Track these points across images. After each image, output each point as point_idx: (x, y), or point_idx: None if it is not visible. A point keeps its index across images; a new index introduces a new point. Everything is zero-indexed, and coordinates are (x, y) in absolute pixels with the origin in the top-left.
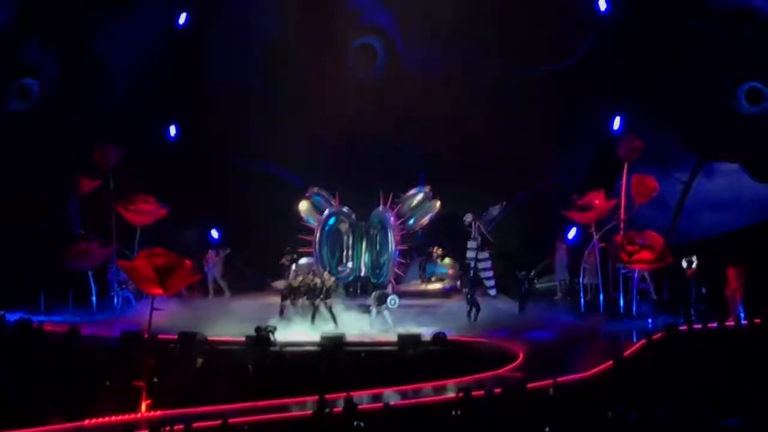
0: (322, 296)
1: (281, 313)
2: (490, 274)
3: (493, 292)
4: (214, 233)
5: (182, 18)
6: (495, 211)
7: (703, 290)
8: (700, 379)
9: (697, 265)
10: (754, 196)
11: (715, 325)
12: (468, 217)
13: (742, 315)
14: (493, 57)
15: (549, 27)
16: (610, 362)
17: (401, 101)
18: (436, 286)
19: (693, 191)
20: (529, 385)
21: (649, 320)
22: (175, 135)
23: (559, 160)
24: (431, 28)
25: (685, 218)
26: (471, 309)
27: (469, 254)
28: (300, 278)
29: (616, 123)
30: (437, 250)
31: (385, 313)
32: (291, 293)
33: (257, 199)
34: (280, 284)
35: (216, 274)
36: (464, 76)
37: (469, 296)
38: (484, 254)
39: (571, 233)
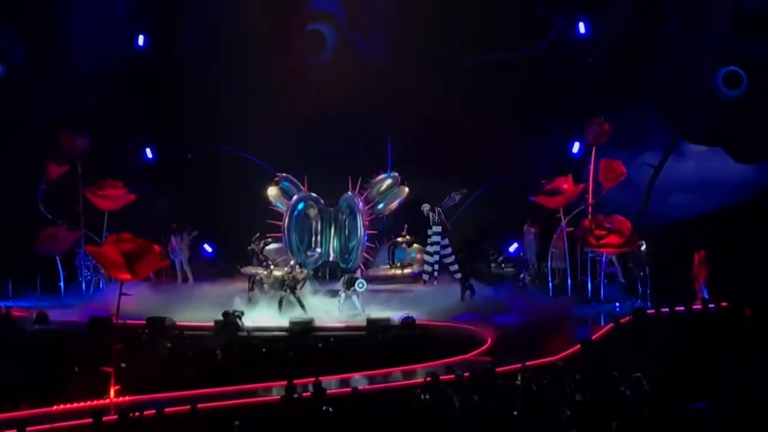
0: (292, 288)
1: (249, 299)
2: (453, 259)
3: (459, 276)
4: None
5: (141, 40)
6: (457, 197)
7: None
8: (667, 362)
9: (645, 247)
10: (723, 180)
11: (682, 308)
12: (425, 207)
13: (707, 298)
14: (449, 42)
15: (519, 10)
16: (578, 346)
17: (363, 87)
18: (405, 271)
19: (662, 174)
20: (498, 370)
21: (617, 304)
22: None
23: (528, 146)
24: (378, 13)
25: (655, 201)
26: (465, 291)
27: (433, 239)
28: (277, 273)
29: (575, 147)
30: (405, 238)
31: (354, 297)
32: (263, 284)
33: (226, 184)
34: (249, 270)
35: (183, 259)
36: (423, 62)
37: (463, 279)
38: (445, 241)
39: (512, 248)
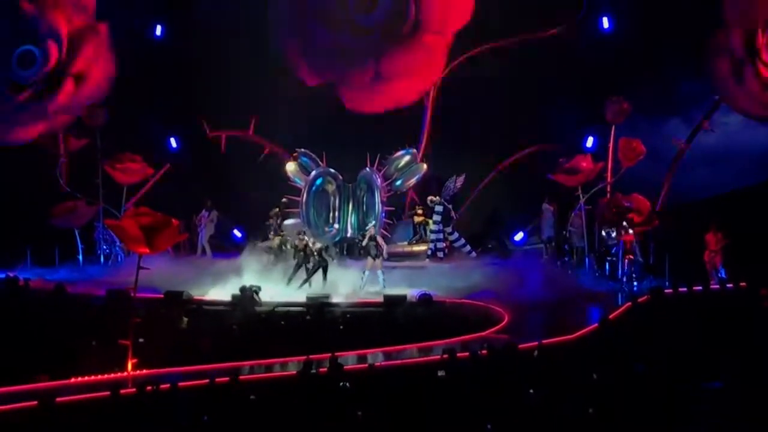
0: (306, 259)
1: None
2: (462, 242)
3: (473, 254)
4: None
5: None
6: (451, 185)
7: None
8: (683, 342)
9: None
10: (751, 154)
11: (699, 288)
12: (435, 199)
13: (724, 278)
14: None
15: None
16: (595, 325)
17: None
18: (422, 247)
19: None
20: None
21: (635, 283)
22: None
23: (549, 124)
24: None
25: (678, 175)
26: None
27: (434, 227)
28: (288, 240)
29: (589, 142)
30: (419, 210)
31: (378, 272)
32: (277, 253)
33: (244, 162)
34: (266, 244)
35: (204, 235)
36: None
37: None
38: (448, 229)
39: (518, 236)
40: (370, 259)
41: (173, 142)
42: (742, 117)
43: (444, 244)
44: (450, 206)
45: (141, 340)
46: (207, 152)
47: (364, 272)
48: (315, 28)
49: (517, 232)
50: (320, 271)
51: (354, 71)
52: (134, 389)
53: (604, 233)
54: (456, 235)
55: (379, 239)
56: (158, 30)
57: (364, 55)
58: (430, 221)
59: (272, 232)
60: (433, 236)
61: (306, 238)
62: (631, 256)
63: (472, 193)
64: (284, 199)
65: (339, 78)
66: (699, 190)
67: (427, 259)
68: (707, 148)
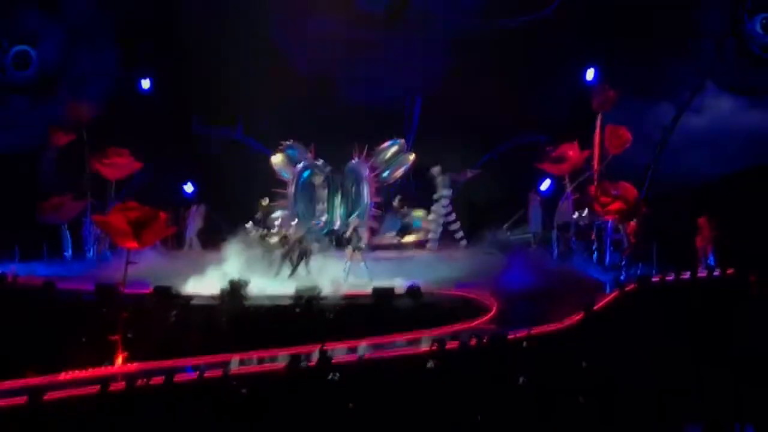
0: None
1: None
2: (458, 225)
3: (464, 242)
4: (189, 188)
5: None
6: (469, 174)
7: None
8: (671, 331)
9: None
10: (741, 138)
11: (687, 275)
12: (436, 170)
13: (713, 265)
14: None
15: None
16: (582, 314)
17: (379, 48)
18: (410, 238)
19: (677, 129)
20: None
21: (622, 271)
22: (148, 89)
23: (535, 113)
24: None
25: (667, 159)
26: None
27: (442, 203)
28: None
29: (590, 74)
30: (399, 202)
31: (362, 265)
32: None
33: (231, 156)
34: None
35: (193, 229)
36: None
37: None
38: (449, 208)
39: (545, 185)
40: (349, 250)
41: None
42: (732, 101)
43: (440, 232)
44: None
45: (130, 334)
46: (195, 144)
47: (345, 263)
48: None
49: (544, 180)
50: (304, 259)
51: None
52: (124, 384)
53: (575, 216)
54: (454, 216)
55: (363, 230)
56: (145, 84)
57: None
58: (423, 213)
59: (261, 225)
60: (437, 223)
61: (288, 229)
62: (633, 240)
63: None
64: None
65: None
66: (688, 175)
67: (430, 246)
68: (697, 132)
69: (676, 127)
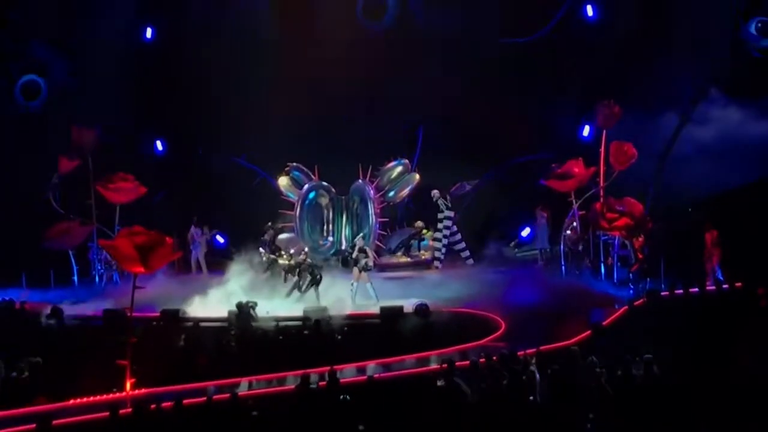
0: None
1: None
2: (464, 245)
3: (470, 261)
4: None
5: (149, 32)
6: (468, 186)
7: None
8: (680, 344)
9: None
10: (747, 149)
11: (696, 290)
12: (435, 193)
13: (721, 278)
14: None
15: None
16: (589, 331)
17: (381, 68)
18: (422, 255)
19: (682, 141)
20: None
21: (631, 286)
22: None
23: (541, 133)
24: None
25: (671, 171)
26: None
27: (445, 223)
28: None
29: (585, 131)
30: (419, 224)
31: (368, 285)
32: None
33: (236, 177)
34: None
35: (199, 252)
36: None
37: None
38: (454, 228)
39: (525, 232)
40: (356, 271)
41: (159, 145)
42: (740, 111)
43: (444, 251)
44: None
45: (135, 368)
46: (199, 169)
47: (352, 284)
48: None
49: (524, 228)
50: (314, 285)
51: None
52: (133, 409)
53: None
54: (459, 236)
55: (369, 251)
56: (148, 33)
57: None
58: (430, 233)
59: (267, 248)
60: (441, 243)
61: (303, 254)
62: (641, 256)
63: (466, 201)
64: (268, 223)
65: None
66: (697, 187)
67: (438, 264)
68: (705, 143)
69: (681, 139)
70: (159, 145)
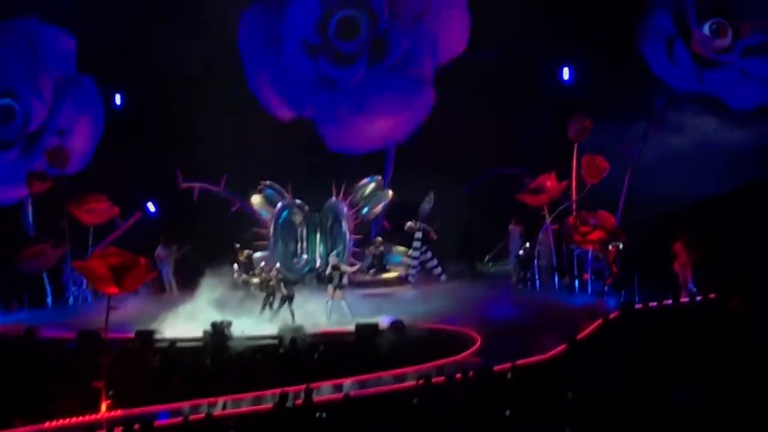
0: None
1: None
2: (435, 262)
3: (443, 278)
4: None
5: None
6: (427, 205)
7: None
8: (655, 355)
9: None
10: (728, 157)
11: (670, 302)
12: (409, 225)
13: (693, 290)
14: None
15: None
16: (565, 345)
17: (355, 84)
18: (391, 274)
19: (656, 149)
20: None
21: (605, 299)
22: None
23: (513, 147)
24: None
25: (644, 181)
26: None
27: (414, 245)
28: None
29: (565, 73)
30: (378, 240)
31: (343, 303)
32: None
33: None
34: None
35: (169, 271)
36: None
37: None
38: (423, 247)
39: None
40: (330, 288)
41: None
42: (717, 118)
43: (418, 268)
44: (430, 228)
45: (111, 389)
46: (174, 194)
47: (327, 302)
48: (291, 55)
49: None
50: (287, 302)
51: (336, 105)
52: (108, 431)
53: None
54: (429, 254)
55: (345, 267)
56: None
57: (347, 86)
58: (404, 249)
59: (241, 268)
60: (415, 261)
61: (273, 270)
62: (615, 269)
63: (439, 217)
64: (237, 245)
65: (318, 112)
66: (668, 198)
67: (410, 280)
68: (680, 151)
69: (654, 147)
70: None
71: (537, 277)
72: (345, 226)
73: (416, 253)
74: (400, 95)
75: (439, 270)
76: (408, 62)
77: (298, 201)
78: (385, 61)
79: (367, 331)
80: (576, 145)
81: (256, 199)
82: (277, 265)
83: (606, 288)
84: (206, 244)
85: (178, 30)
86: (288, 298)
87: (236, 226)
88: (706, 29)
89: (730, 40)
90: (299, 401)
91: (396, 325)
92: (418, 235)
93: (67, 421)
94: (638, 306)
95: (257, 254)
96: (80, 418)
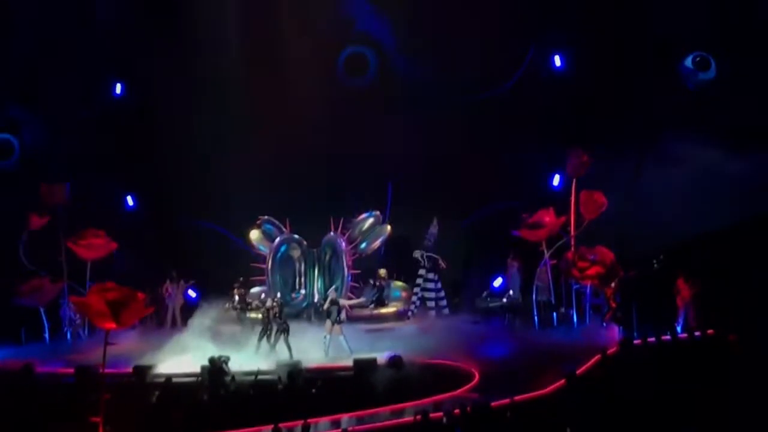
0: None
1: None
2: (442, 294)
3: (446, 311)
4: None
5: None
6: (434, 231)
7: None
8: (655, 391)
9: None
10: (730, 190)
11: (668, 338)
12: (417, 253)
13: (693, 326)
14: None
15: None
16: (563, 380)
17: (354, 120)
18: (390, 309)
19: (653, 184)
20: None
21: (604, 334)
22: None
23: (512, 183)
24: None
25: (643, 215)
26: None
27: (420, 274)
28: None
29: (556, 180)
30: (382, 273)
31: (341, 338)
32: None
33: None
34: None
35: (176, 306)
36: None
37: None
38: (434, 276)
39: (497, 282)
40: (328, 323)
41: (129, 201)
42: (718, 150)
43: (418, 304)
44: (437, 256)
45: (108, 425)
46: (170, 224)
47: (325, 336)
48: None
49: (496, 278)
50: (283, 335)
51: None
52: None
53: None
54: (439, 285)
55: (344, 301)
56: (118, 88)
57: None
58: (403, 284)
59: (240, 303)
60: (431, 294)
61: (271, 302)
62: (614, 304)
63: (438, 251)
64: (240, 279)
65: None
66: (667, 233)
67: (409, 315)
68: (680, 184)
69: (652, 181)
70: (129, 200)
71: (535, 312)
72: (343, 261)
73: (429, 285)
74: None
75: (444, 302)
76: None
77: (296, 236)
78: None
79: (365, 366)
80: (574, 181)
81: (254, 234)
82: (278, 295)
83: (605, 323)
84: (204, 278)
85: (174, 69)
86: (284, 331)
87: (235, 261)
88: (689, 62)
89: None
90: None
91: (394, 360)
92: (421, 271)
93: None
94: (637, 341)
95: (255, 289)
96: None
